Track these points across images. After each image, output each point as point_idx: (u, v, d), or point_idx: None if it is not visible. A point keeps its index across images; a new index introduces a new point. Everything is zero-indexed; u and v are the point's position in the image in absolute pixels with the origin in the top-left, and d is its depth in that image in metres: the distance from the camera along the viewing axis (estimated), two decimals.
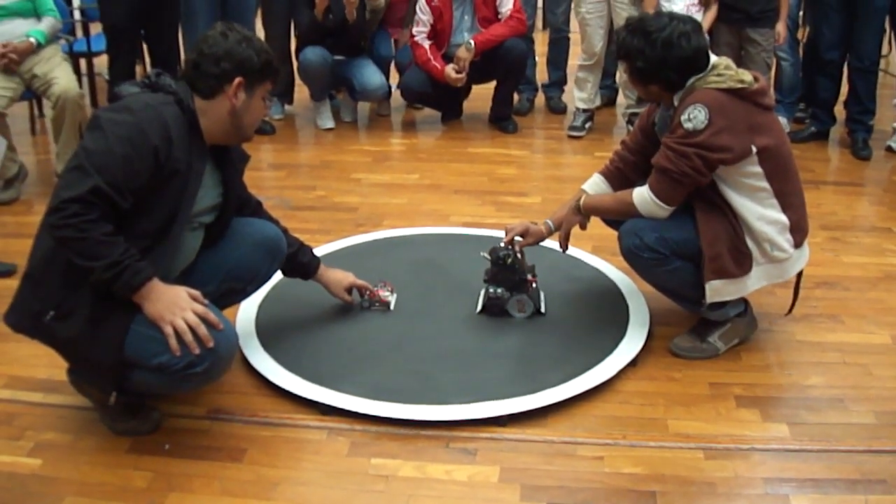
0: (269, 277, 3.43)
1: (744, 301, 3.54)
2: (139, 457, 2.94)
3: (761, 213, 3.29)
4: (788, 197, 3.34)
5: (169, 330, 2.67)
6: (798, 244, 3.40)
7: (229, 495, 2.76)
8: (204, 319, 2.72)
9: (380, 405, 3.11)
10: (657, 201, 3.30)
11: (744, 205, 3.28)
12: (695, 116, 3.14)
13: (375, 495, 2.76)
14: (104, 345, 2.74)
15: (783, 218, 3.32)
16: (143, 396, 3.03)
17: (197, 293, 2.78)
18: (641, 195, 3.34)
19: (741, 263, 3.32)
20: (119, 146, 2.62)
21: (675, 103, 3.28)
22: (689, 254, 3.34)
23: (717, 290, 3.33)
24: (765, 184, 3.27)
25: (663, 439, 3.01)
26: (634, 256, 3.43)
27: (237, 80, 2.86)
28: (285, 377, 3.29)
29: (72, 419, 3.14)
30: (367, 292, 3.76)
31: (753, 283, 3.38)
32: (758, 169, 3.24)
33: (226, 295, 3.19)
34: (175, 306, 2.70)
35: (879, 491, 2.75)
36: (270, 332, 3.59)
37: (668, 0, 5.59)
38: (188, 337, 2.67)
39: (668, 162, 3.22)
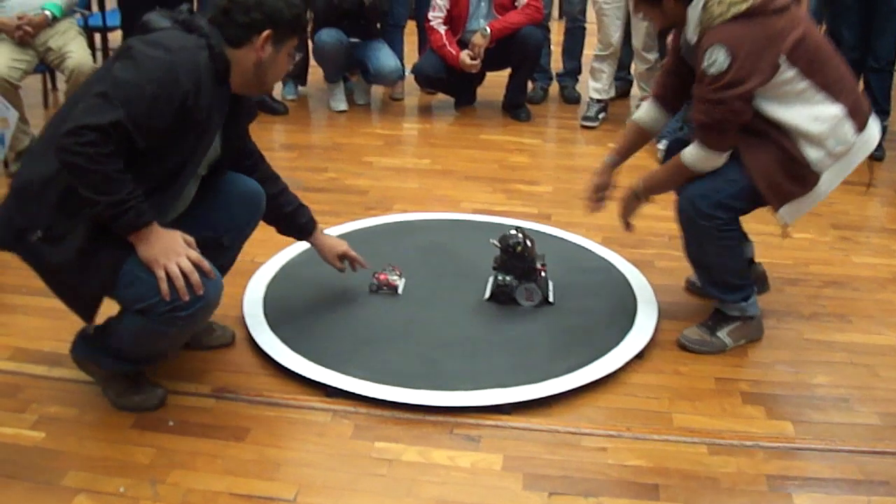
0: (248, 230, 3.34)
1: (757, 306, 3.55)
2: (142, 433, 2.94)
3: (814, 114, 3.17)
4: (835, 85, 3.20)
5: (161, 274, 2.63)
6: (861, 127, 3.28)
7: (231, 474, 2.76)
8: (197, 267, 2.69)
9: (385, 389, 3.11)
10: (710, 152, 3.24)
11: (793, 114, 3.17)
12: (715, 59, 3.07)
13: (378, 479, 2.76)
14: (95, 277, 2.71)
15: (837, 109, 3.19)
16: (122, 361, 2.98)
17: (191, 239, 2.75)
18: (692, 153, 3.28)
19: (803, 180, 3.24)
20: (150, 84, 2.55)
21: (692, 30, 3.23)
22: (750, 199, 3.31)
23: (791, 213, 3.29)
24: (805, 82, 3.14)
25: (668, 433, 3.00)
26: (690, 224, 3.37)
27: (266, 32, 2.80)
28: (291, 358, 3.29)
29: (76, 393, 3.14)
30: (375, 275, 3.76)
31: (825, 189, 3.31)
32: (792, 71, 3.12)
33: (203, 244, 3.14)
34: (171, 251, 2.66)
35: (882, 492, 2.74)
36: (278, 313, 3.59)
37: None
38: (180, 283, 2.64)
39: (705, 115, 3.17)
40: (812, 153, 3.20)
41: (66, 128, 2.50)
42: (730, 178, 3.29)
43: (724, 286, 3.49)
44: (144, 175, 2.66)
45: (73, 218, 2.65)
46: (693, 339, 3.51)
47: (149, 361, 3.04)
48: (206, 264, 2.73)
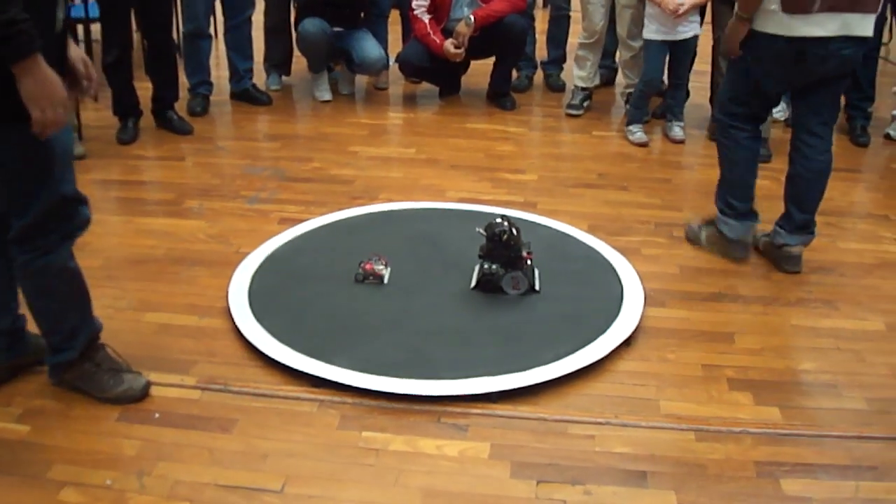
0: None
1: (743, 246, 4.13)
2: (129, 425, 2.93)
3: None
4: None
5: (37, 115, 2.47)
6: (790, 10, 3.58)
7: (219, 465, 2.75)
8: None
9: (371, 378, 3.10)
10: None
11: None
12: None
13: (365, 468, 2.75)
14: None
15: None
16: (56, 345, 3.00)
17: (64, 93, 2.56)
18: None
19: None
20: None
21: None
22: (739, 90, 3.93)
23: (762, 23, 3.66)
24: None
25: (655, 420, 3.00)
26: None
27: None
28: (277, 348, 3.27)
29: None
30: (361, 265, 3.75)
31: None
32: None
33: None
34: (53, 94, 2.48)
35: (870, 477, 2.74)
36: (263, 303, 3.58)
37: None
38: (51, 131, 2.52)
39: None
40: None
41: None
42: (727, 77, 4.02)
43: (718, 188, 4.12)
44: None
45: None
46: (691, 225, 4.30)
47: (74, 331, 3.00)
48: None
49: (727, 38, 3.79)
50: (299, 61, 6.89)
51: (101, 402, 3.01)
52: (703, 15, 5.72)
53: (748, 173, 4.06)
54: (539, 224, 4.34)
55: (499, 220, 3.66)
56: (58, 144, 2.68)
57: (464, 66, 6.63)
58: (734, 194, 4.03)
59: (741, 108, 3.95)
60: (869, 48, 5.66)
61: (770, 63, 3.74)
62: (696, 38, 5.66)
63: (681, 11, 5.41)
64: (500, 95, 6.56)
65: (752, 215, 4.10)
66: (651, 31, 5.62)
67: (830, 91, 3.83)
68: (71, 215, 2.81)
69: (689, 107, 5.95)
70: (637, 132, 5.74)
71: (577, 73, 6.41)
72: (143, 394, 3.05)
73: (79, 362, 3.03)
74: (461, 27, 6.15)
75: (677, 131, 5.78)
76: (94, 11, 6.28)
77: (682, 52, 5.69)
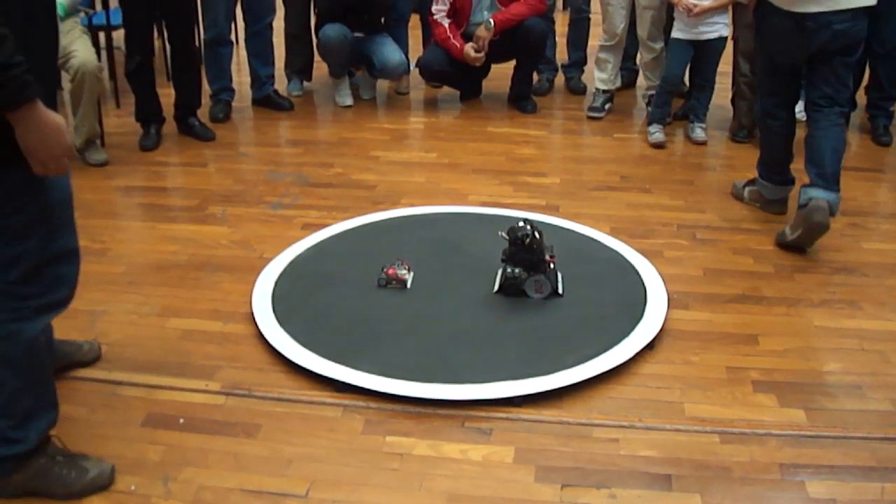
0: None
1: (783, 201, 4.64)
2: (154, 431, 2.95)
3: None
4: None
5: (38, 169, 2.27)
6: None
7: (244, 471, 2.76)
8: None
9: (395, 383, 3.10)
10: None
11: None
12: None
13: (389, 473, 2.76)
14: None
15: None
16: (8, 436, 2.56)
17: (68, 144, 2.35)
18: None
19: None
20: None
21: None
22: (763, 70, 4.52)
23: None
24: None
25: (679, 423, 2.99)
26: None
27: None
28: (301, 353, 3.28)
29: (85, 392, 3.14)
30: (384, 269, 3.76)
31: None
32: None
33: None
34: (56, 145, 2.26)
35: None
36: (287, 308, 3.59)
37: None
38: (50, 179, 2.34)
39: None
40: None
41: None
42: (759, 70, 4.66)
43: (759, 159, 4.66)
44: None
45: None
46: (736, 183, 4.86)
47: (29, 416, 2.57)
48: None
49: (746, 7, 4.34)
50: (320, 67, 6.91)
51: (126, 407, 3.03)
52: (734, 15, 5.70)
53: (784, 154, 4.55)
54: (561, 227, 4.33)
55: (521, 223, 3.66)
56: (55, 194, 2.44)
57: (484, 69, 6.63)
58: (771, 168, 4.59)
59: (772, 99, 4.45)
60: (890, 47, 5.65)
61: (775, 35, 4.22)
62: (722, 39, 5.62)
63: (695, 11, 5.40)
64: (521, 99, 6.56)
65: (788, 181, 4.60)
66: (676, 30, 5.62)
67: (831, 67, 4.16)
68: (56, 283, 2.54)
69: (710, 108, 5.92)
70: (655, 133, 5.73)
71: (598, 76, 6.40)
72: (111, 479, 2.70)
73: (34, 457, 2.61)
74: (481, 31, 6.15)
75: (699, 133, 5.76)
76: (115, 19, 6.32)
77: (707, 53, 5.66)
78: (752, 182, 4.73)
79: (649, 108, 5.99)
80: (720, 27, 5.56)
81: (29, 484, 2.61)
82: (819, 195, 4.04)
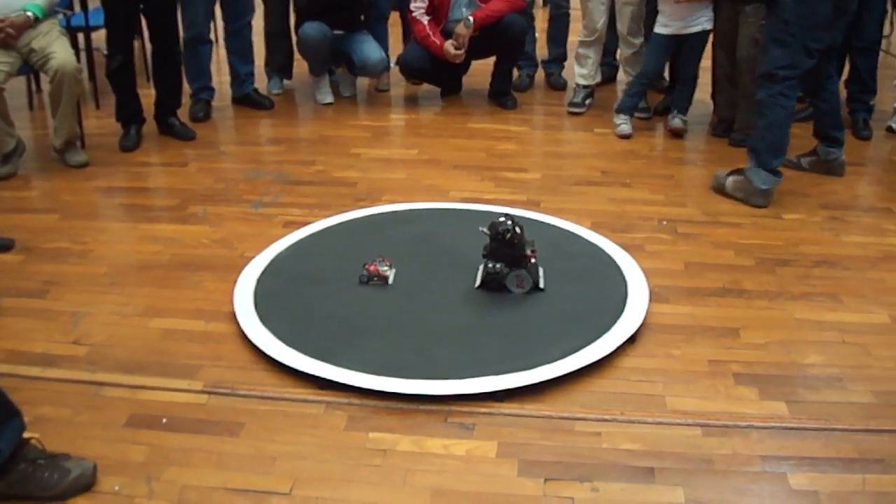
0: None
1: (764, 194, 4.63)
2: (136, 431, 2.94)
3: None
4: None
5: None
6: None
7: (227, 469, 2.76)
8: None
9: (378, 380, 3.10)
10: None
11: None
12: None
13: (373, 469, 2.76)
14: None
15: None
16: None
17: None
18: None
19: None
20: None
21: None
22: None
23: None
24: None
25: (661, 416, 3.00)
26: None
27: None
28: (283, 351, 3.28)
29: (69, 393, 3.13)
30: (365, 266, 3.76)
31: None
32: None
33: None
34: None
35: (877, 470, 2.74)
36: (268, 307, 3.59)
37: None
38: None
39: None
40: None
41: None
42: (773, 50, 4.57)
43: (759, 146, 4.65)
44: None
45: None
46: (718, 174, 4.84)
47: None
48: None
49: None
50: (300, 65, 6.89)
51: (108, 407, 3.02)
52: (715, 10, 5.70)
53: (786, 138, 4.68)
54: (542, 222, 4.34)
55: (502, 218, 3.66)
56: None
57: (464, 66, 6.63)
58: (772, 152, 4.63)
59: (795, 81, 4.56)
60: (870, 41, 5.68)
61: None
62: (705, 32, 5.61)
63: None
64: (502, 95, 6.57)
65: (779, 173, 4.67)
66: (660, 25, 5.61)
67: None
68: None
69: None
70: (622, 124, 5.75)
71: (578, 71, 6.41)
72: (94, 478, 2.69)
73: (12, 465, 2.62)
74: (460, 28, 6.15)
75: (677, 121, 5.75)
76: (94, 20, 6.30)
77: (691, 46, 5.66)
78: (737, 171, 4.75)
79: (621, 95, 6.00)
80: (703, 21, 5.56)
81: (11, 490, 2.61)
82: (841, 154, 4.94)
